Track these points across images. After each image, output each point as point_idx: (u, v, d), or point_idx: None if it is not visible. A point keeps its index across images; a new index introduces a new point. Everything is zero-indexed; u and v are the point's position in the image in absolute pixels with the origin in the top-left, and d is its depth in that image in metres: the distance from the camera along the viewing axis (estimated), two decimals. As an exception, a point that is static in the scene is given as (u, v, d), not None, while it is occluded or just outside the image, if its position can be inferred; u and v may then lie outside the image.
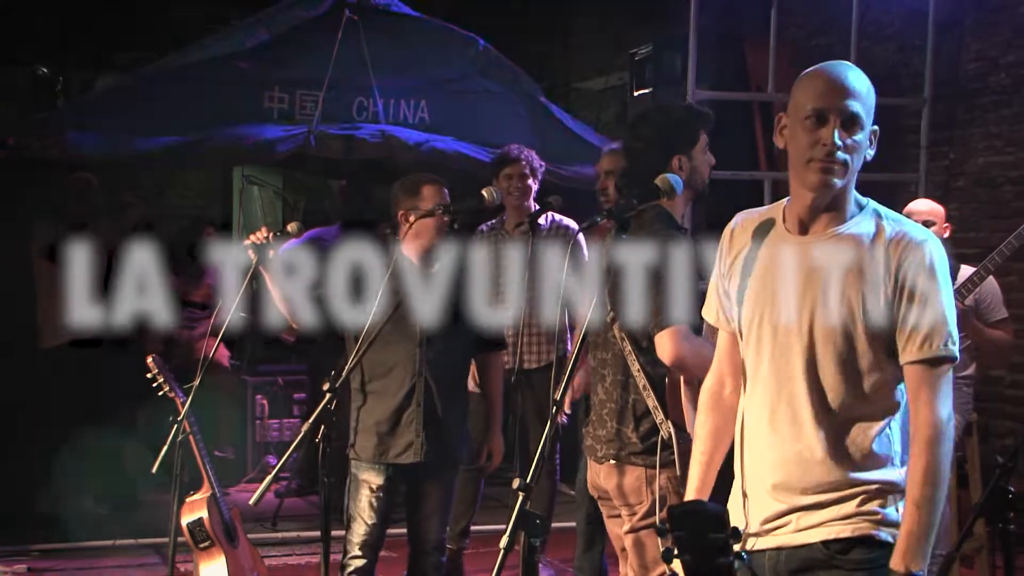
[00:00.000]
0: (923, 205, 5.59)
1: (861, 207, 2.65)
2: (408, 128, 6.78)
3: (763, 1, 7.10)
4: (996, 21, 7.16)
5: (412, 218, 4.44)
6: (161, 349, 7.56)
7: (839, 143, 2.56)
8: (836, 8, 7.60)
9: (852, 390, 2.57)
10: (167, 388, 4.64)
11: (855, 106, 2.57)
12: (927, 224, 5.50)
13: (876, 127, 2.62)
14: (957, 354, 2.52)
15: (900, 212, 5.76)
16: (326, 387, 3.85)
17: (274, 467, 3.86)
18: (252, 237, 4.33)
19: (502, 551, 2.39)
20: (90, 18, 9.12)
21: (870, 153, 2.63)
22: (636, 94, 7.91)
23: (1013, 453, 3.27)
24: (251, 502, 3.81)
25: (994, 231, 6.95)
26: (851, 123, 2.57)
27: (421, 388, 4.47)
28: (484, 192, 4.28)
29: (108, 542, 6.49)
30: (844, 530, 2.56)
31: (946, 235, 5.50)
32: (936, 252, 2.54)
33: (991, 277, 5.30)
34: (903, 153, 7.65)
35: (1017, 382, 7.05)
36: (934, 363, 2.51)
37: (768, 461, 2.66)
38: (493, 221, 5.81)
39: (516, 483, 2.48)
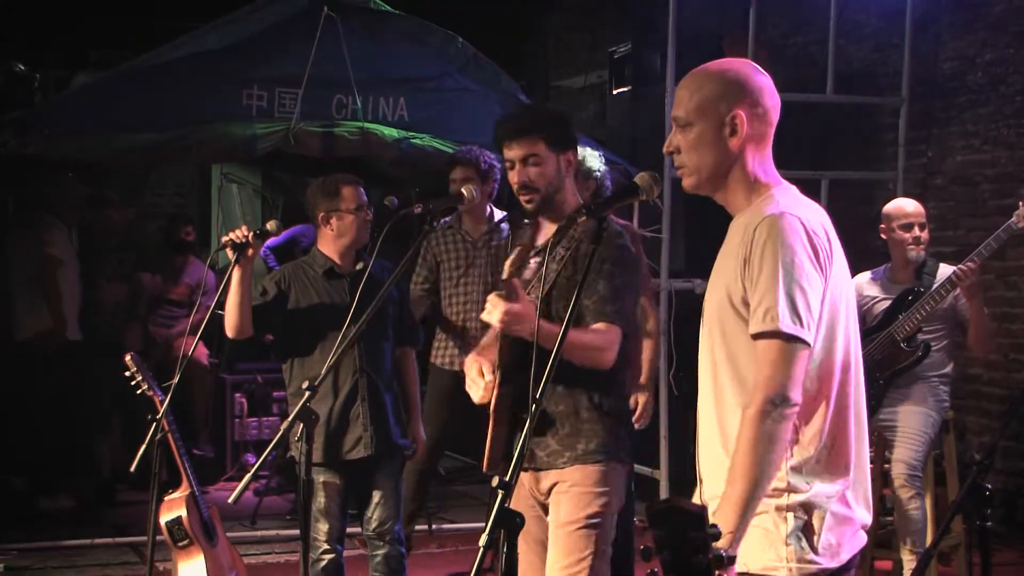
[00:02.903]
0: (911, 206, 5.60)
1: (761, 194, 2.66)
2: (387, 126, 6.77)
3: (741, 0, 7.13)
4: (973, 20, 7.19)
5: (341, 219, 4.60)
6: (141, 347, 7.55)
7: (669, 148, 2.70)
8: (813, 7, 7.63)
9: (733, 377, 2.60)
10: (145, 386, 4.62)
11: (678, 111, 2.69)
12: (922, 227, 5.55)
13: (736, 112, 2.63)
14: (784, 327, 2.44)
15: (881, 210, 5.82)
16: (305, 385, 3.85)
17: (253, 465, 3.85)
18: (231, 235, 4.32)
19: (481, 549, 2.38)
20: (67, 15, 9.07)
21: (732, 143, 2.64)
22: (615, 92, 7.92)
23: (990, 450, 3.29)
24: (230, 500, 3.80)
25: (971, 229, 6.99)
26: (680, 126, 2.68)
27: (364, 384, 4.58)
28: (464, 190, 4.28)
29: (86, 541, 6.47)
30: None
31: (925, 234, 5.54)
32: (773, 227, 2.51)
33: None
34: (881, 151, 7.69)
35: (994, 380, 7.09)
36: (763, 337, 2.48)
37: (699, 458, 2.74)
38: (448, 219, 5.79)
39: (495, 481, 2.48)
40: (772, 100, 2.69)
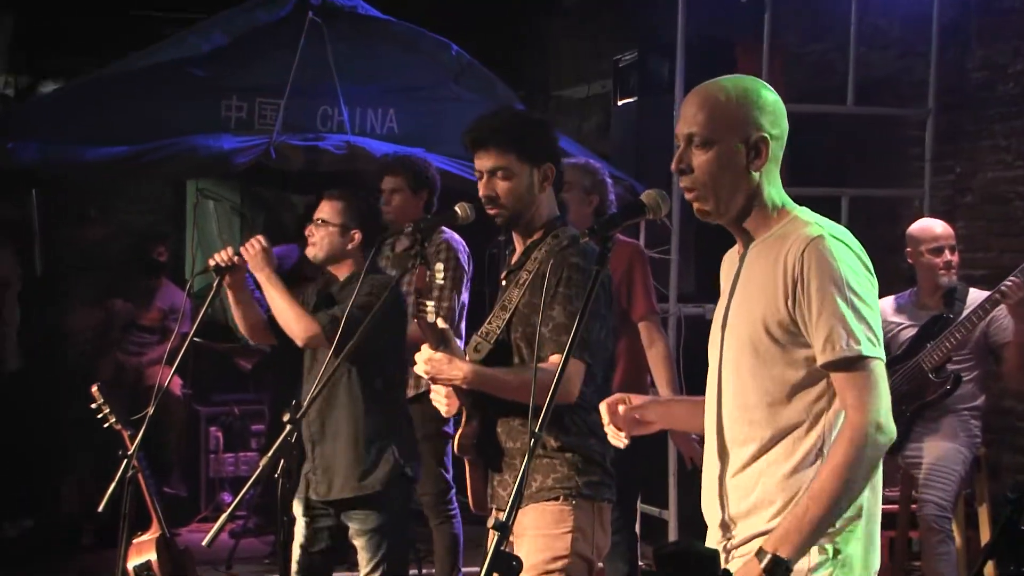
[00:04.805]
0: (940, 228, 5.59)
1: (783, 216, 2.72)
2: (375, 139, 6.78)
3: (755, 4, 7.15)
4: (1003, 27, 7.21)
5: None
6: (111, 376, 7.54)
7: (680, 165, 2.71)
8: (833, 12, 7.65)
9: (770, 409, 2.63)
10: (113, 420, 4.61)
11: (692, 127, 2.69)
12: (952, 250, 5.52)
13: (761, 135, 2.68)
14: (866, 351, 2.53)
15: (907, 231, 5.79)
16: (286, 418, 3.83)
17: (229, 505, 3.84)
18: (216, 257, 4.40)
19: (476, 595, 2.38)
20: (32, 21, 9.09)
21: (755, 166, 2.68)
22: (620, 103, 7.93)
23: (1025, 489, 3.28)
24: (204, 543, 3.78)
25: (1004, 250, 6.98)
26: (693, 144, 2.69)
27: (308, 419, 4.53)
28: (457, 208, 4.25)
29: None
30: None
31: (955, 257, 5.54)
32: (824, 251, 2.57)
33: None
34: (906, 167, 7.69)
35: (1028, 412, 7.07)
36: (843, 365, 2.55)
37: (711, 492, 2.77)
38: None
39: (491, 522, 2.48)
40: (785, 120, 2.75)
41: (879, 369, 2.56)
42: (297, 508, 4.60)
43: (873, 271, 2.65)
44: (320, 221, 4.65)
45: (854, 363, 2.54)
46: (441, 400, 3.58)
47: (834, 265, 2.56)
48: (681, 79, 6.71)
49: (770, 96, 2.73)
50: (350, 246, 4.65)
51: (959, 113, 7.41)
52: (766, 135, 2.67)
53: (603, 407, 3.03)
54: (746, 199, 2.70)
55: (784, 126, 2.73)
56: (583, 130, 9.81)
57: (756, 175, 2.68)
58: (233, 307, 4.59)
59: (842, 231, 2.66)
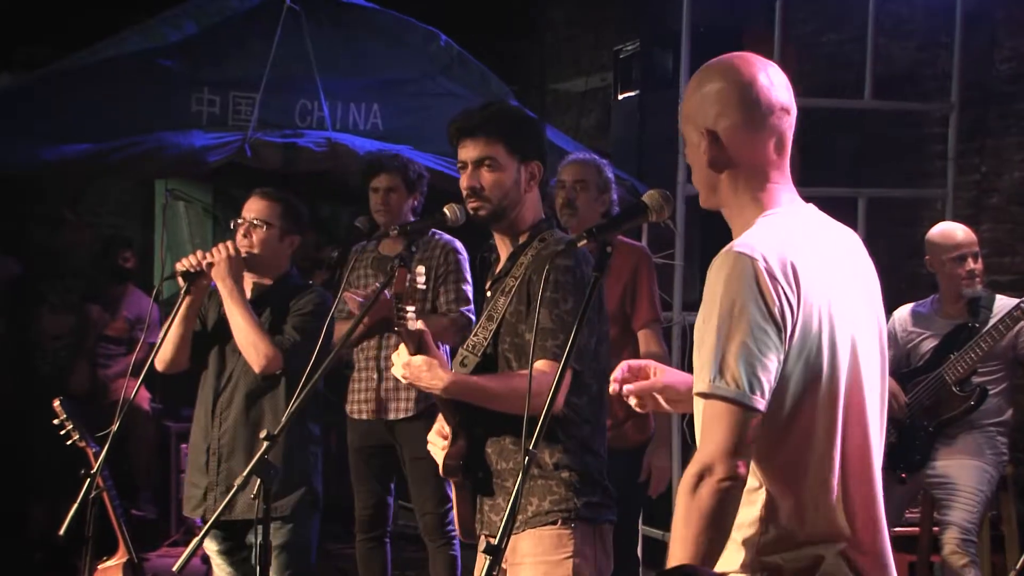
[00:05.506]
0: (962, 233, 5.57)
1: (753, 220, 2.63)
2: (358, 136, 6.78)
3: (766, -9, 7.18)
4: (1032, 15, 7.23)
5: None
6: (88, 390, 7.53)
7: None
8: (849, 0, 7.67)
9: None
10: (76, 436, 4.61)
11: (682, 122, 2.72)
12: (976, 257, 5.51)
13: (706, 128, 2.63)
14: (715, 388, 2.40)
15: (926, 236, 5.79)
16: (263, 435, 3.83)
17: (201, 528, 3.84)
18: (184, 262, 4.38)
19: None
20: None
21: (704, 159, 2.64)
22: (621, 97, 7.94)
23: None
24: (174, 569, 3.78)
25: (1032, 255, 7.00)
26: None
27: (213, 429, 4.61)
28: (446, 209, 4.25)
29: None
30: None
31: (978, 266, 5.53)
32: (721, 269, 2.50)
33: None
34: (927, 166, 7.70)
35: (1059, 429, 7.08)
36: (700, 397, 2.45)
37: None
38: (365, 242, 5.82)
39: (482, 546, 2.49)
40: (773, 107, 2.62)
41: (727, 409, 2.41)
42: (212, 545, 4.67)
43: (789, 293, 2.46)
44: (260, 222, 4.66)
45: (704, 397, 2.44)
46: (438, 452, 3.57)
47: (722, 284, 2.47)
48: (686, 71, 6.71)
49: (742, 80, 2.63)
50: (290, 252, 4.68)
51: (984, 108, 7.43)
52: (715, 131, 2.62)
53: (623, 365, 2.96)
54: (716, 197, 2.69)
55: (763, 115, 2.61)
56: (581, 126, 9.82)
57: (716, 172, 2.65)
58: (178, 320, 4.50)
59: (776, 243, 2.50)
